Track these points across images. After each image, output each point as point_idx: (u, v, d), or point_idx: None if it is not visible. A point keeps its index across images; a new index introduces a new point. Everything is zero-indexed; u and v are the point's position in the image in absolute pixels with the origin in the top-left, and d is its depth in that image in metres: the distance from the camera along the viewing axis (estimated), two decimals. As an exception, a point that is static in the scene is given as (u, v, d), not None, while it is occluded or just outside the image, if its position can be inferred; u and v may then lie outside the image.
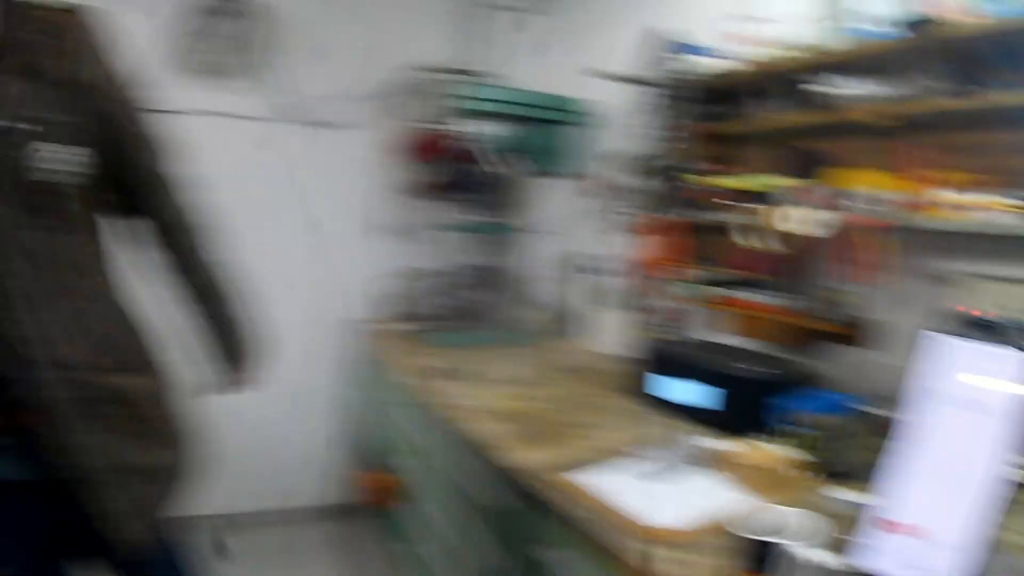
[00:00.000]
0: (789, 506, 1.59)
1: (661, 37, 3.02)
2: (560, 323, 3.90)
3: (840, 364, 2.61)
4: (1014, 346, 1.37)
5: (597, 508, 1.68)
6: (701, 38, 2.91)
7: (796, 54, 2.54)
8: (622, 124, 3.36)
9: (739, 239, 2.62)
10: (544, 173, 3.79)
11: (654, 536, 1.55)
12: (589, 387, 2.82)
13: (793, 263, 2.53)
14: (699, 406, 2.41)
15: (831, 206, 2.40)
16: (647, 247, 2.98)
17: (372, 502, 3.59)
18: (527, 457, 1.99)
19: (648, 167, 3.11)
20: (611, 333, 3.35)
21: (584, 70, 3.27)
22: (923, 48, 2.23)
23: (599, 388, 2.79)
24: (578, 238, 3.78)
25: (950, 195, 2.20)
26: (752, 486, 1.81)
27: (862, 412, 2.18)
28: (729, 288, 2.83)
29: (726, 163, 2.91)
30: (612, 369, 2.92)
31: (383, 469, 3.44)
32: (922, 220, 2.21)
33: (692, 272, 2.93)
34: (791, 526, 1.46)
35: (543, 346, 3.56)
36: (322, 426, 4.21)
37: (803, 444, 2.06)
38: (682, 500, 1.73)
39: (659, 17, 3.19)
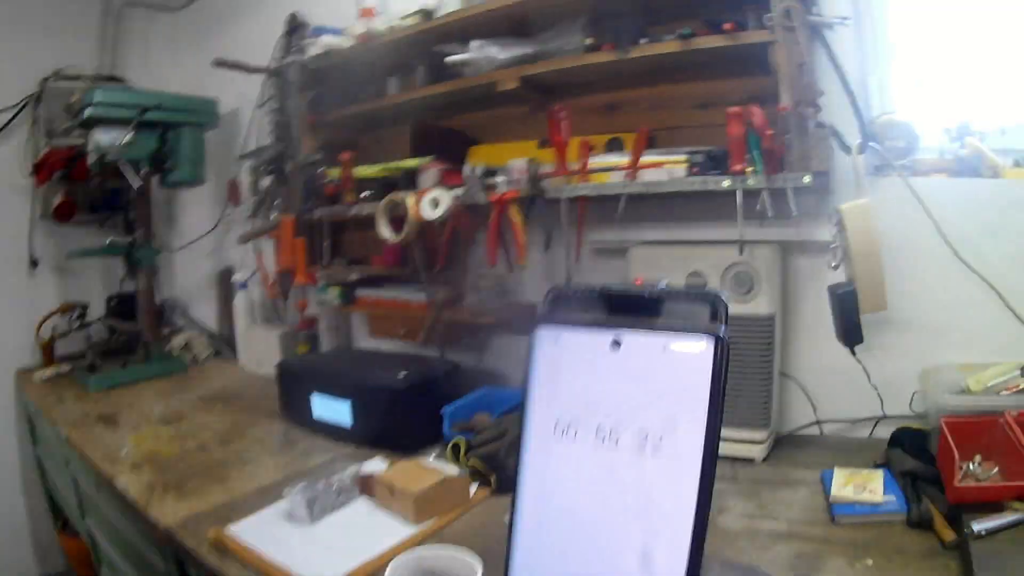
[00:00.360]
0: (460, 534, 1.27)
1: (299, 21, 2.55)
2: (218, 345, 3.30)
3: (506, 356, 2.26)
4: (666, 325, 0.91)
5: (251, 565, 1.33)
6: (341, 18, 2.43)
7: (421, 21, 2.14)
8: (259, 121, 2.81)
9: (383, 232, 2.15)
10: (183, 183, 3.05)
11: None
12: (244, 415, 2.32)
13: (441, 251, 2.12)
14: (350, 425, 1.97)
15: (475, 184, 1.99)
16: (289, 253, 2.45)
17: (77, 570, 3.06)
18: (176, 510, 1.62)
19: (284, 165, 2.58)
20: (265, 351, 2.79)
21: (213, 61, 2.64)
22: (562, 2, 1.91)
23: (254, 415, 2.31)
24: (228, 251, 3.20)
25: (609, 158, 1.88)
26: (420, 514, 1.46)
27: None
28: (376, 288, 2.42)
29: (365, 150, 2.44)
30: (268, 391, 2.42)
31: (75, 533, 2.90)
32: (581, 188, 1.86)
33: (337, 274, 2.46)
34: (454, 568, 1.09)
35: (201, 373, 3.01)
36: (14, 494, 3.37)
37: (471, 454, 1.66)
38: (339, 544, 1.38)
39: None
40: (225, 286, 3.15)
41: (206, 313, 3.43)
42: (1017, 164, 1.90)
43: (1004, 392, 1.57)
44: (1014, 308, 1.72)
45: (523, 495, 0.96)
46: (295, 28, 2.58)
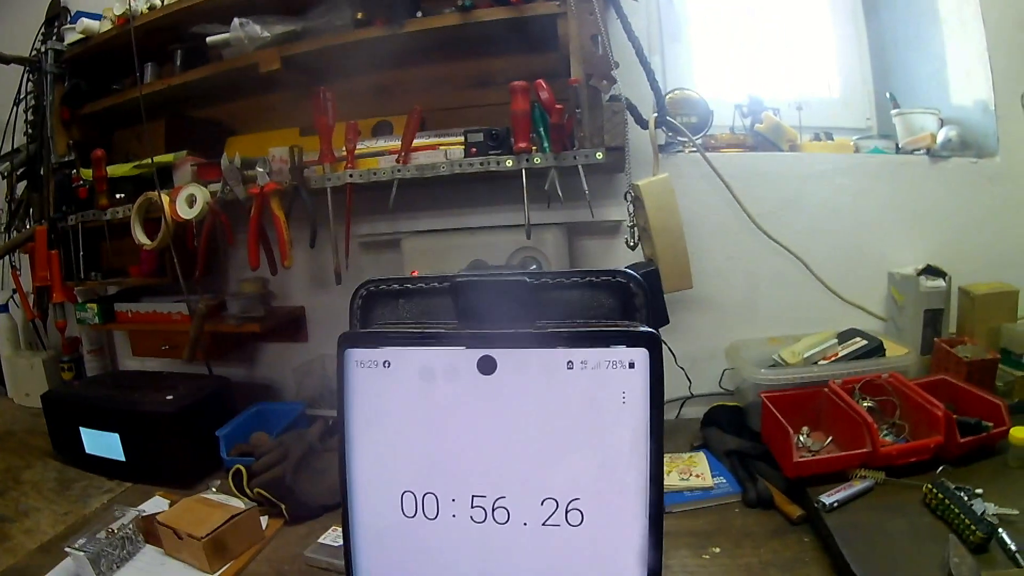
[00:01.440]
0: None
1: (61, 7, 2.14)
2: None
3: (277, 366, 1.98)
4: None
5: None
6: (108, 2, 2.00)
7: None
8: (18, 120, 2.25)
9: (138, 237, 1.79)
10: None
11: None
12: (16, 457, 1.93)
13: (200, 255, 1.76)
14: (123, 458, 1.67)
15: (234, 177, 1.66)
16: (44, 267, 2.01)
17: None
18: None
19: (39, 167, 2.11)
20: (32, 380, 2.31)
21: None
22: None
23: (27, 456, 1.93)
24: None
25: (379, 142, 1.62)
26: (213, 560, 1.22)
27: (315, 421, 1.63)
28: (136, 301, 2.02)
29: (120, 147, 2.10)
30: (39, 426, 2.02)
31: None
32: (349, 175, 1.58)
33: (93, 289, 2.08)
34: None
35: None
36: None
37: (254, 482, 1.42)
38: None
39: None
40: (-9, 308, 2.63)
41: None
42: (816, 138, 1.81)
43: (822, 362, 1.48)
44: (820, 277, 1.65)
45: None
46: (56, 14, 2.16)
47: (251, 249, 1.64)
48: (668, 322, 1.46)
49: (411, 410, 0.60)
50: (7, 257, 2.22)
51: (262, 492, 1.39)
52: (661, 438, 0.54)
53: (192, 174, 1.73)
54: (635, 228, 1.50)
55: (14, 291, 2.30)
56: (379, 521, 0.61)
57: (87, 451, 1.74)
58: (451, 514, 0.60)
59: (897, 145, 1.79)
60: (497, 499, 0.58)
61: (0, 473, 1.87)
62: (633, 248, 1.51)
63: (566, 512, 0.56)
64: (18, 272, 2.23)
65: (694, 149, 1.64)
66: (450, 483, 0.60)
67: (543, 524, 0.56)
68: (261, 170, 1.60)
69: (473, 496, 0.59)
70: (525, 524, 0.57)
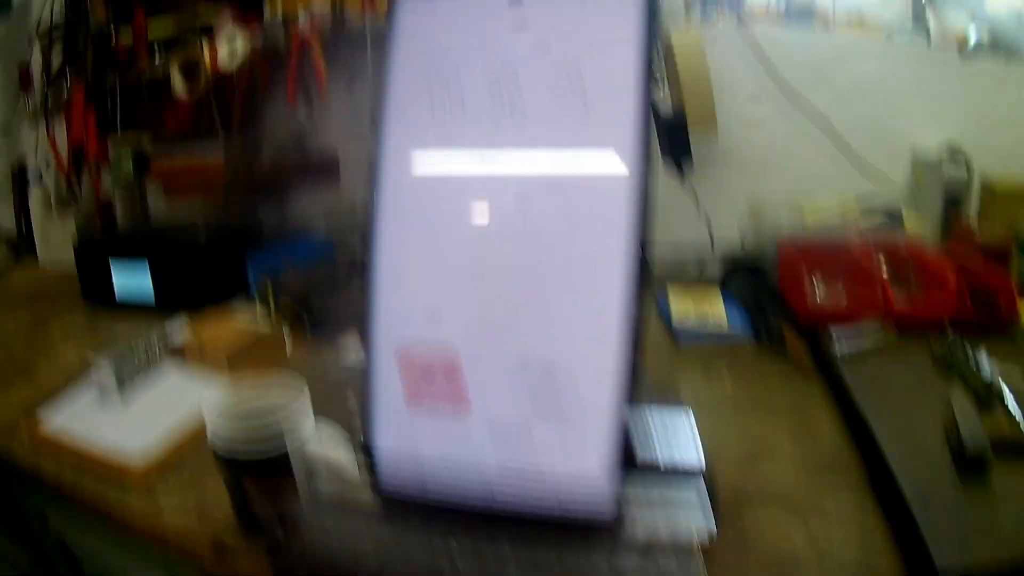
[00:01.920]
0: (280, 388, 0.94)
1: None
2: (18, 249, 2.68)
3: (310, 206, 1.98)
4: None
5: (69, 452, 1.08)
6: None
7: None
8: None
9: (177, 88, 1.82)
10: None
11: (131, 474, 1.00)
12: (47, 309, 1.97)
13: (238, 104, 1.81)
14: (154, 297, 1.73)
15: (276, 28, 1.69)
16: (80, 124, 2.05)
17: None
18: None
19: (77, 38, 2.11)
20: (64, 243, 2.28)
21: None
22: None
23: (58, 308, 1.95)
24: (24, 146, 2.55)
25: None
26: (235, 371, 1.26)
27: (341, 253, 1.72)
28: (171, 150, 2.02)
29: (161, 12, 1.96)
30: (70, 286, 2.01)
31: None
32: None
33: (128, 140, 2.06)
34: (276, 397, 0.86)
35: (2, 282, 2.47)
36: None
37: (279, 297, 1.50)
38: (155, 410, 1.17)
39: None
40: (20, 183, 2.65)
41: (4, 216, 2.89)
42: (851, 21, 1.77)
43: (842, 223, 1.51)
44: (843, 144, 1.65)
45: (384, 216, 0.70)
46: None
47: (290, 87, 1.66)
48: (691, 156, 1.50)
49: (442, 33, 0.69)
50: (43, 122, 2.26)
51: (287, 305, 1.45)
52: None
53: (233, 25, 1.75)
54: (663, 80, 1.51)
55: (48, 159, 2.34)
56: (404, 127, 0.70)
57: (118, 294, 1.78)
58: (474, 112, 0.67)
59: (929, 42, 1.80)
60: (511, 85, 0.65)
61: (28, 322, 1.92)
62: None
63: (582, 91, 0.61)
64: (54, 138, 2.26)
65: (728, 16, 1.64)
66: (471, 76, 0.67)
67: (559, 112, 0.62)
68: (303, 18, 1.63)
69: (491, 86, 0.66)
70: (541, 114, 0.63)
